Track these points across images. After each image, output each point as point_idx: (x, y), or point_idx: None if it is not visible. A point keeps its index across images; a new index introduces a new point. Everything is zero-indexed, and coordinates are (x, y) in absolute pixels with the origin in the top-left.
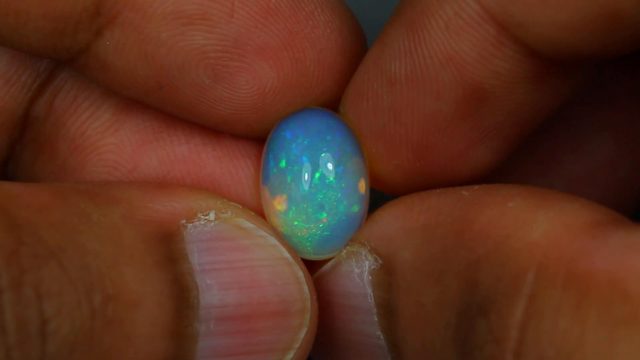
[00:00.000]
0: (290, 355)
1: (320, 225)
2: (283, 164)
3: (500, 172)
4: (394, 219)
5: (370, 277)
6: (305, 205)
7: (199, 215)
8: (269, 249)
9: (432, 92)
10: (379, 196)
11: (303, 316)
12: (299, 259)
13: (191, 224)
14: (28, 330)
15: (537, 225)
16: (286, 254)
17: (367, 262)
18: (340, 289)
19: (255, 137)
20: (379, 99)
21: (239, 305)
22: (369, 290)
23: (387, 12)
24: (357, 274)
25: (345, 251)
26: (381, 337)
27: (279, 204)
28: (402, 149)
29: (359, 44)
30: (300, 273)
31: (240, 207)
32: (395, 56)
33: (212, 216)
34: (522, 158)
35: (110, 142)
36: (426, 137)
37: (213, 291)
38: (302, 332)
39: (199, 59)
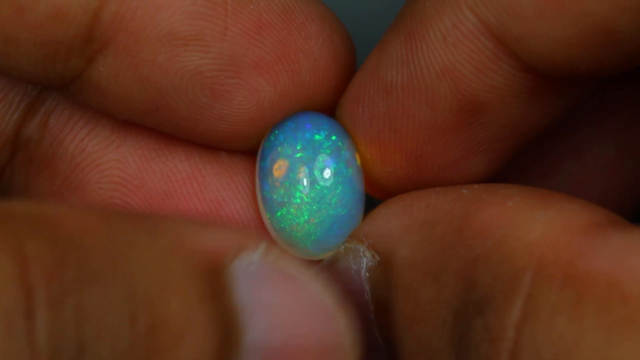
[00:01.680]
0: None
1: (317, 222)
2: (278, 167)
3: (500, 175)
4: (393, 216)
5: (367, 274)
6: (303, 204)
7: (246, 253)
8: (312, 293)
9: (428, 102)
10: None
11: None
12: (343, 307)
13: (238, 261)
14: (63, 352)
15: (535, 225)
16: (330, 301)
17: (364, 259)
18: (337, 285)
19: (251, 149)
20: (375, 105)
21: (282, 347)
22: (367, 287)
23: (383, 27)
24: (355, 271)
25: (343, 247)
26: (377, 334)
27: (277, 205)
28: (396, 156)
29: (348, 51)
30: (344, 321)
31: (283, 250)
32: (392, 65)
33: (257, 256)
34: (522, 160)
35: (113, 159)
36: (420, 146)
37: (257, 330)
38: None
39: (195, 79)
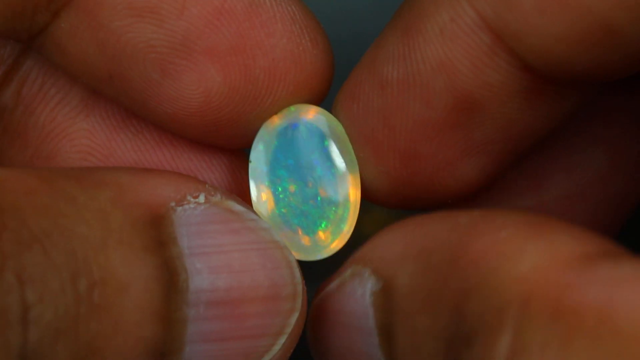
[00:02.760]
0: (282, 340)
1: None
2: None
3: (490, 188)
4: (394, 242)
5: (371, 299)
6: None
7: (189, 198)
8: (260, 233)
9: (423, 98)
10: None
11: (294, 300)
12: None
13: (181, 208)
14: (8, 317)
15: (524, 258)
16: (276, 238)
17: (369, 284)
18: (344, 309)
19: (200, 140)
20: (370, 101)
21: (229, 289)
22: (370, 312)
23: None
24: (360, 295)
25: (349, 271)
26: (382, 359)
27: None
28: (390, 155)
29: (320, 57)
30: (291, 257)
31: (228, 191)
32: (389, 59)
33: (201, 199)
34: (513, 173)
35: (82, 128)
36: (414, 144)
37: (203, 275)
38: (293, 317)
39: (146, 52)
